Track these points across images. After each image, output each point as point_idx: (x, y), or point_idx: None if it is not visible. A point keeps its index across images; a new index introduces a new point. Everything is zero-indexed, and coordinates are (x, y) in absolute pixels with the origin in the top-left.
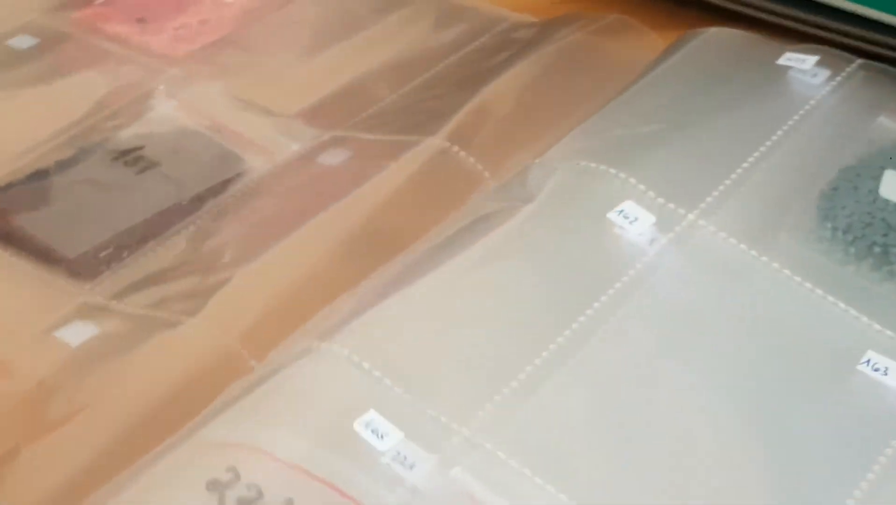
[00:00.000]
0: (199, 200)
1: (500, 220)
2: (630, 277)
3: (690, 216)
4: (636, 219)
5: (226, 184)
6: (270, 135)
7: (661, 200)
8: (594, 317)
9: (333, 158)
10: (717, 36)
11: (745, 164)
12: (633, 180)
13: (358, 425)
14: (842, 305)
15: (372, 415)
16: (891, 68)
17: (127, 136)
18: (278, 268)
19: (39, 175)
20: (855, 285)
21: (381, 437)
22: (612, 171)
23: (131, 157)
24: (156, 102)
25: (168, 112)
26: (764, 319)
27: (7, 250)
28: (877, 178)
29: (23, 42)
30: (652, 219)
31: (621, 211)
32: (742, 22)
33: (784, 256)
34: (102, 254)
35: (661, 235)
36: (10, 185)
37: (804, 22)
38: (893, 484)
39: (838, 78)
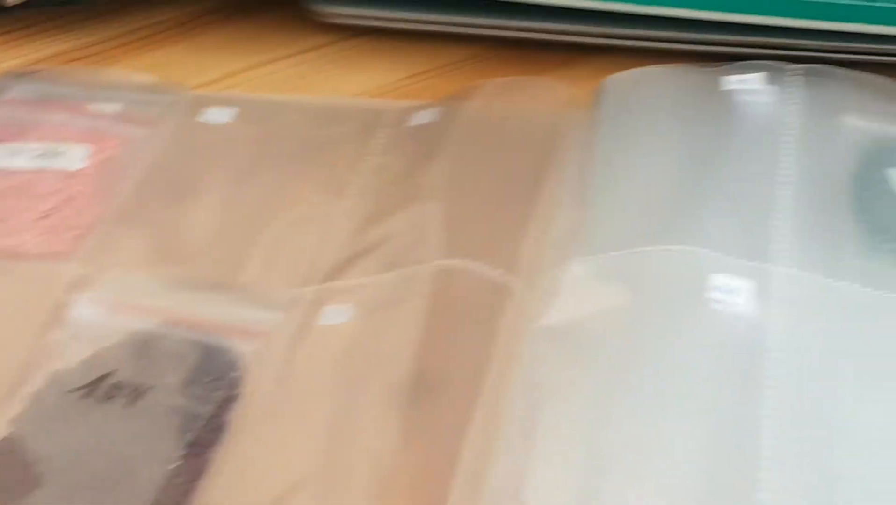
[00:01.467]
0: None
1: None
2: (769, 351)
3: (770, 267)
4: (735, 290)
5: (233, 389)
6: (242, 313)
7: (739, 262)
8: (772, 401)
9: (340, 314)
10: (644, 78)
11: (778, 202)
12: (702, 251)
13: None
14: None
15: None
16: (825, 67)
17: (76, 362)
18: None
19: (4, 446)
20: None
21: None
22: (681, 249)
23: (108, 387)
24: (81, 314)
25: (102, 321)
26: None
27: None
28: (890, 181)
29: None
30: (749, 284)
31: (717, 286)
32: (612, 53)
33: (884, 281)
34: None
35: (763, 299)
36: None
37: (678, 41)
38: None
39: (790, 90)
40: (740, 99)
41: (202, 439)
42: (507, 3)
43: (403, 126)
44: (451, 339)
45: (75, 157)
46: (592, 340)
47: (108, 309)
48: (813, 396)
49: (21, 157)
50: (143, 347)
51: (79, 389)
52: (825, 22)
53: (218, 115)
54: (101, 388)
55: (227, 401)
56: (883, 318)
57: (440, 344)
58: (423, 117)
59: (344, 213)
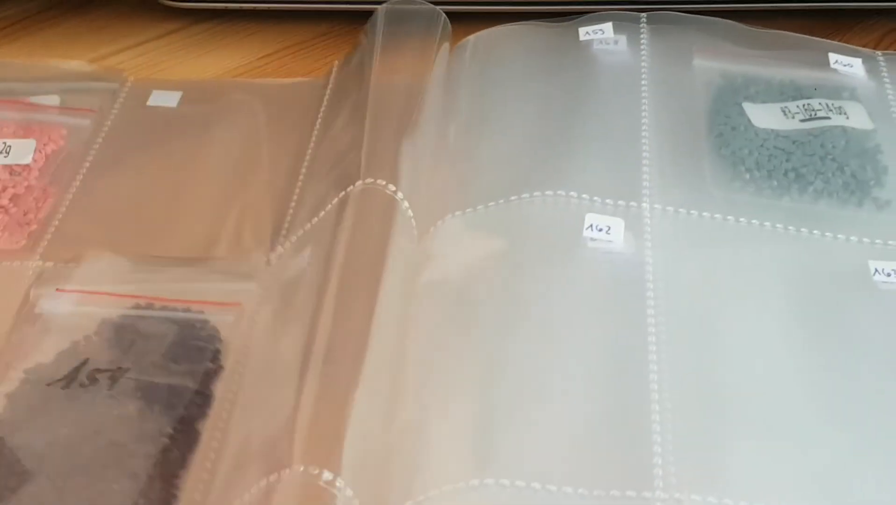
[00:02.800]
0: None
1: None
2: (648, 282)
3: (644, 205)
4: (608, 228)
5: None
6: (214, 286)
7: (609, 201)
8: (654, 325)
9: (299, 264)
10: (499, 36)
11: (643, 143)
12: (573, 194)
13: None
14: (821, 233)
15: None
16: (672, 13)
17: (52, 356)
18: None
19: None
20: (806, 211)
21: None
22: (553, 193)
23: (85, 376)
24: (49, 307)
25: (73, 310)
26: (773, 264)
27: None
28: (742, 115)
29: None
30: (620, 223)
31: (592, 225)
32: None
33: (738, 209)
34: (152, 495)
35: (636, 234)
36: None
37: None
38: None
39: (641, 38)
40: (595, 49)
41: (191, 413)
42: None
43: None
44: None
45: (21, 151)
46: (474, 288)
47: (77, 299)
48: (690, 318)
49: None
50: (119, 331)
51: (57, 381)
52: None
53: (164, 98)
54: (79, 377)
55: (211, 373)
56: (745, 243)
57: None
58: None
59: (301, 179)
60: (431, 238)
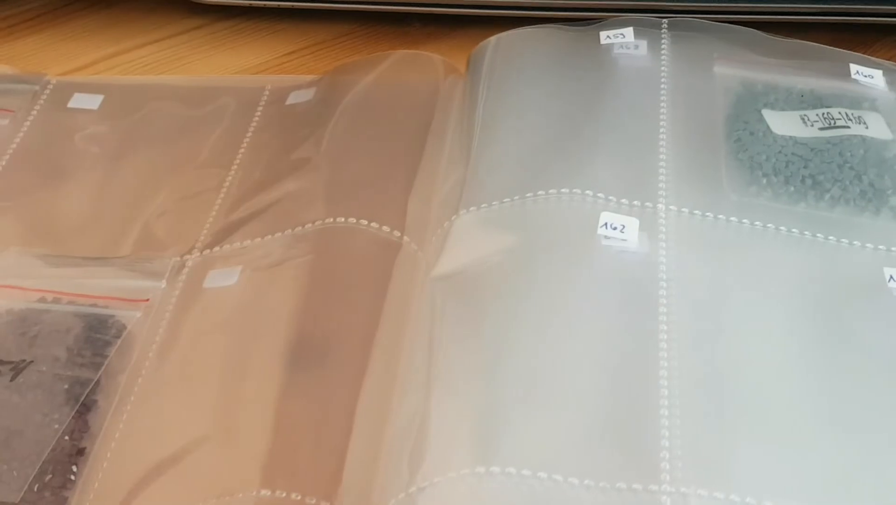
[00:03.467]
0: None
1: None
2: (661, 281)
3: (659, 206)
4: (623, 227)
5: (119, 355)
6: (123, 283)
7: (625, 201)
8: (667, 323)
9: (225, 278)
10: (518, 39)
11: (660, 145)
12: (589, 193)
13: None
14: (837, 239)
15: None
16: (692, 20)
17: None
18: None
19: None
20: (822, 218)
21: None
22: (568, 192)
23: None
24: None
25: None
26: (787, 269)
27: None
28: (761, 121)
29: None
30: (635, 222)
31: (607, 224)
32: (474, 25)
33: (755, 213)
34: (48, 478)
35: (650, 235)
36: None
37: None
38: None
39: (660, 45)
40: (615, 53)
41: (92, 402)
42: None
43: (280, 104)
44: (336, 302)
45: None
46: (486, 282)
47: None
48: (702, 318)
49: None
50: (22, 323)
51: None
52: None
53: (85, 101)
54: None
55: (113, 367)
56: (760, 247)
57: (326, 309)
58: (300, 95)
59: (224, 188)
60: (448, 232)
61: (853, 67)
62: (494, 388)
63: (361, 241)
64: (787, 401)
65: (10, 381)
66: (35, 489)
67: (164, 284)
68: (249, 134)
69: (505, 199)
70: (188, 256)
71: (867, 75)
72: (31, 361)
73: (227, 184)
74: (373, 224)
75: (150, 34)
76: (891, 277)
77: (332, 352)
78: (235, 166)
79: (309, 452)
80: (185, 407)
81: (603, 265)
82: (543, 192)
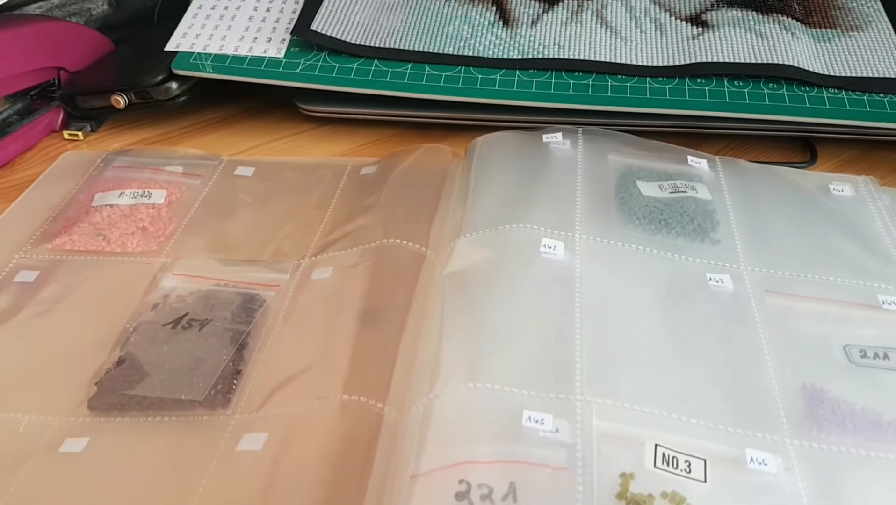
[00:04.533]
0: (251, 332)
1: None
2: (576, 278)
3: (576, 235)
4: (554, 247)
5: (262, 316)
6: (264, 276)
7: (556, 231)
8: (579, 304)
9: (323, 274)
10: (496, 138)
11: (576, 200)
12: (535, 227)
13: (525, 421)
14: (679, 256)
15: (527, 413)
16: (597, 128)
17: (165, 310)
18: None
19: (126, 359)
20: (671, 244)
21: (541, 422)
22: (524, 226)
23: (185, 322)
24: (168, 284)
25: (182, 286)
26: (651, 272)
27: (147, 415)
28: (635, 187)
29: (27, 277)
30: (561, 244)
31: (545, 245)
32: (470, 130)
33: (631, 240)
34: (219, 387)
35: (570, 251)
36: (109, 371)
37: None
38: None
39: (577, 143)
40: (551, 147)
41: (245, 343)
42: (414, 99)
43: (357, 174)
44: (388, 288)
45: (157, 196)
46: (473, 279)
47: (184, 279)
48: (601, 300)
49: (125, 197)
50: (206, 298)
51: (167, 324)
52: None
53: (244, 171)
54: (181, 323)
55: (258, 324)
56: (635, 260)
57: (381, 292)
58: (368, 170)
59: (323, 222)
60: (453, 248)
61: (689, 158)
62: (478, 338)
63: (403, 253)
64: (650, 345)
65: (199, 330)
66: (212, 393)
67: (288, 276)
68: (338, 191)
69: (487, 229)
70: (302, 261)
71: (697, 162)
72: (211, 320)
73: (325, 219)
74: (409, 243)
75: (280, 132)
76: (710, 278)
77: (385, 317)
78: (330, 210)
79: (371, 374)
80: (298, 347)
81: (543, 269)
82: (510, 225)
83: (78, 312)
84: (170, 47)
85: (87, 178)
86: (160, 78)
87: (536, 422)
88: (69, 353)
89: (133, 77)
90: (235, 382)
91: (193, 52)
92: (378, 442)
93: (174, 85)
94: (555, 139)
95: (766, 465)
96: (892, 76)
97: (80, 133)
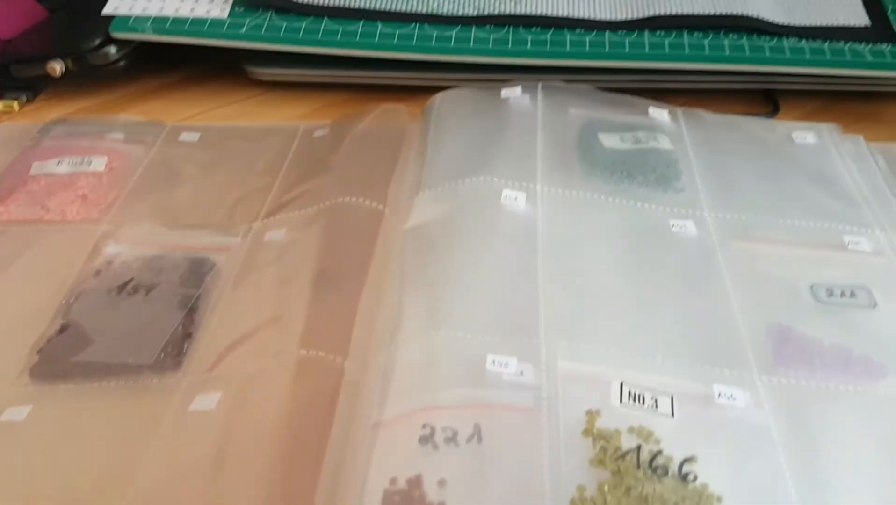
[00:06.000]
0: (201, 295)
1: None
2: (538, 227)
3: (538, 186)
4: (516, 198)
5: (212, 280)
6: (214, 240)
7: (517, 183)
8: (542, 253)
9: (276, 235)
10: (454, 95)
11: (537, 152)
12: (495, 179)
13: (489, 366)
14: (641, 204)
15: (491, 357)
16: (558, 83)
17: (108, 277)
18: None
19: (69, 326)
20: (634, 192)
21: (505, 365)
22: (484, 178)
23: (130, 287)
24: (111, 251)
25: (126, 252)
26: (615, 221)
27: (93, 382)
28: (597, 139)
29: None
30: (523, 195)
31: (506, 196)
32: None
33: (594, 190)
34: (169, 350)
35: (532, 202)
36: (51, 339)
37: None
38: None
39: (537, 98)
40: (511, 102)
41: (195, 307)
42: (366, 59)
43: (309, 137)
44: (344, 247)
45: (98, 164)
46: (434, 232)
47: (128, 246)
48: (564, 254)
49: (63, 165)
50: (152, 263)
51: (111, 290)
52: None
53: (189, 137)
54: (126, 288)
55: (208, 287)
56: (598, 209)
57: (338, 251)
58: (321, 132)
59: (275, 185)
60: (413, 204)
61: (650, 109)
62: (441, 289)
63: (359, 211)
64: (614, 290)
65: (146, 295)
66: (161, 356)
67: (239, 239)
68: (290, 154)
69: (447, 184)
70: (254, 224)
71: (658, 114)
72: (158, 284)
73: (277, 183)
74: (366, 201)
75: (228, 97)
76: (673, 224)
77: (343, 275)
78: (282, 173)
79: (329, 331)
80: (253, 309)
81: (505, 219)
82: (469, 179)
83: (17, 283)
84: (107, 11)
85: (24, 149)
86: (97, 42)
87: (501, 365)
88: (9, 323)
89: (69, 43)
90: (186, 344)
91: (132, 16)
92: (339, 397)
93: (113, 49)
94: (514, 94)
95: (734, 399)
96: (853, 24)
97: (14, 104)
